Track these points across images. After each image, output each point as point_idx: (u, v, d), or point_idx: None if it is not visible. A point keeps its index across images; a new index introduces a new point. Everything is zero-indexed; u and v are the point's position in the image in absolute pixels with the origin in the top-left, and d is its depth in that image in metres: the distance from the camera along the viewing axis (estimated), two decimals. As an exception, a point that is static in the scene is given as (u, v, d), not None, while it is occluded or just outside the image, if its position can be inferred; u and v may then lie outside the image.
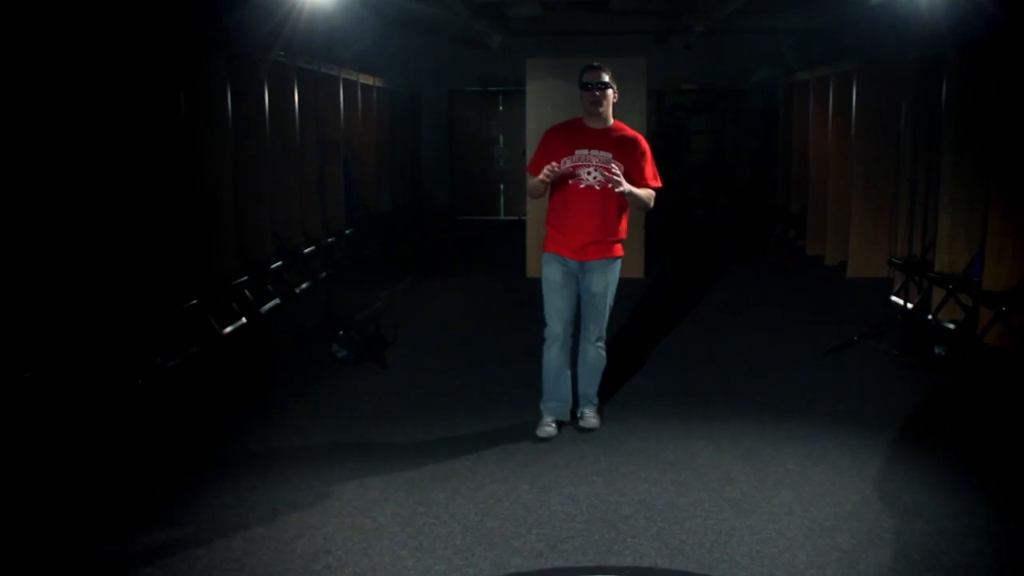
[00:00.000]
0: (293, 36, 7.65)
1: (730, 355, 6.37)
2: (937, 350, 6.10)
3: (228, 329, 6.90)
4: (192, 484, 4.11)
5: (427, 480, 4.16)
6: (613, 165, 4.45)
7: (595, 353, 4.78)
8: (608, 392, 5.20)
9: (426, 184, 14.97)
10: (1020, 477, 4.15)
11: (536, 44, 12.60)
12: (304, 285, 8.83)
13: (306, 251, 8.95)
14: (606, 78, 4.52)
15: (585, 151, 4.54)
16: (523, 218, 9.81)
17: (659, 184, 4.63)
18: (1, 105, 4.62)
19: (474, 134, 15.15)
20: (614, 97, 4.61)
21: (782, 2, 11.64)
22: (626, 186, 4.37)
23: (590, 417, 4.83)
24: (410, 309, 7.91)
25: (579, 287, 4.70)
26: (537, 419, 4.76)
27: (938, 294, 7.31)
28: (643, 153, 4.60)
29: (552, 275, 4.68)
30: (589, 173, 4.53)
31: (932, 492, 3.98)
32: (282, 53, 8.08)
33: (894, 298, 7.90)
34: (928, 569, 3.31)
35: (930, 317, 7.12)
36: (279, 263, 8.13)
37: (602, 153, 4.53)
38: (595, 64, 4.58)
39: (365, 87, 11.46)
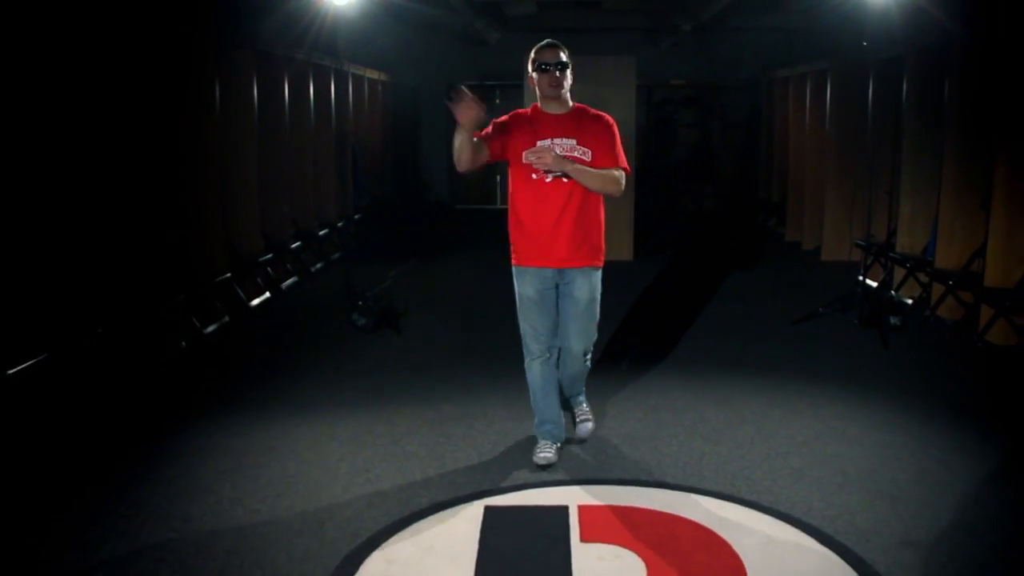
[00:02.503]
0: (309, 33, 8.32)
1: (710, 325, 7.09)
2: (892, 320, 6.84)
3: (255, 302, 7.62)
4: (244, 422, 4.83)
5: (445, 419, 4.88)
6: (579, 151, 4.04)
7: (580, 367, 4.40)
8: (599, 353, 5.90)
9: (425, 174, 15.65)
10: (944, 418, 4.88)
11: (532, 40, 12.96)
12: (319, 265, 9.53)
13: (320, 234, 9.64)
14: (564, 57, 4.03)
15: (547, 141, 4.01)
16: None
17: (625, 166, 4.13)
18: (64, 97, 5.30)
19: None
20: (572, 78, 4.08)
21: (764, 3, 12.35)
22: (568, 165, 3.95)
23: (585, 424, 4.55)
24: (416, 286, 8.61)
25: (558, 297, 4.22)
26: (532, 443, 4.38)
27: (899, 273, 8.08)
28: (609, 133, 4.08)
29: (526, 290, 4.18)
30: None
31: (873, 427, 4.72)
32: (300, 50, 8.76)
33: (861, 278, 8.65)
34: (860, 481, 4.04)
35: (893, 293, 7.87)
36: (298, 243, 8.84)
37: (566, 141, 4.03)
38: (551, 41, 4.06)
39: (372, 81, 12.16)
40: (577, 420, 4.56)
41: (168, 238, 6.30)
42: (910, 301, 7.66)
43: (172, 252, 6.34)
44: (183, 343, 6.22)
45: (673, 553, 3.38)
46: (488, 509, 3.74)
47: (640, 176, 10.57)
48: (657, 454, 4.40)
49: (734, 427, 4.74)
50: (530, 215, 4.09)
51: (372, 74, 12.10)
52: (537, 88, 4.09)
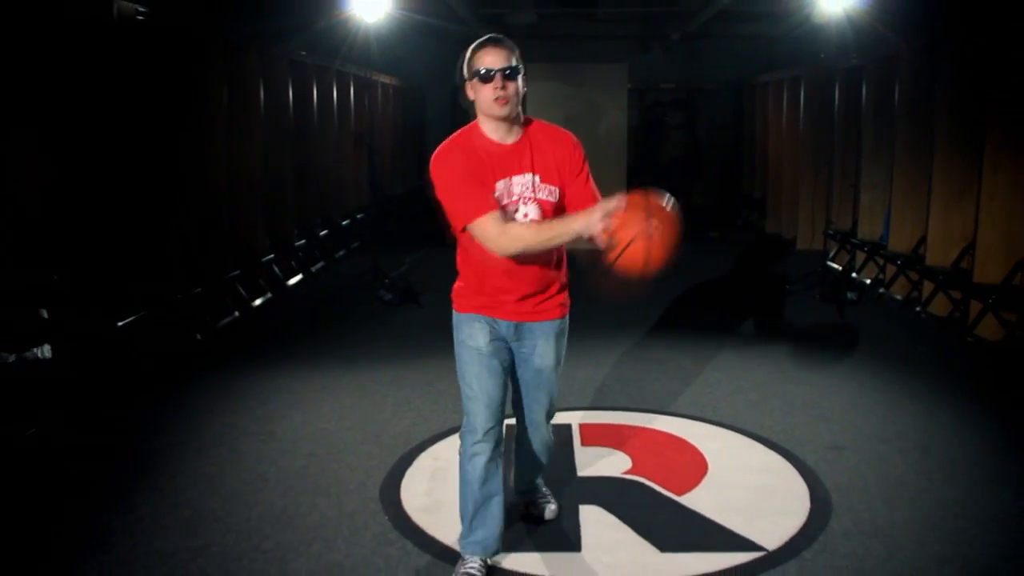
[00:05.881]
0: (342, 45, 9.31)
1: (692, 299, 8.12)
2: (849, 295, 7.88)
3: (292, 281, 8.64)
4: (300, 371, 5.84)
5: (452, 362, 5.87)
6: (543, 191, 3.04)
7: (546, 435, 3.44)
8: (586, 317, 6.90)
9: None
10: (878, 366, 5.90)
11: (530, 47, 14.23)
12: (341, 252, 10.54)
13: (343, 224, 10.66)
14: (514, 60, 2.96)
15: (504, 182, 3.00)
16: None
17: (595, 202, 2.97)
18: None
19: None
20: (523, 86, 2.98)
21: (749, 14, 13.38)
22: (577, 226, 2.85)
23: (549, 506, 3.69)
24: (429, 270, 9.62)
25: (512, 359, 3.25)
26: (455, 558, 3.29)
27: (860, 257, 9.13)
28: (579, 158, 3.08)
29: (473, 340, 3.17)
30: (516, 212, 3.03)
31: (819, 373, 5.76)
32: (326, 57, 9.77)
33: (829, 262, 9.69)
34: (804, 408, 5.07)
35: (854, 275, 8.92)
36: (325, 232, 9.85)
37: (523, 177, 3.02)
38: (494, 37, 3.02)
39: (384, 86, 13.17)
40: (540, 502, 3.69)
41: (223, 223, 7.32)
42: (868, 281, 8.70)
43: (227, 235, 7.35)
44: (237, 312, 7.23)
45: (652, 452, 4.40)
46: (508, 426, 4.74)
47: (632, 174, 11.57)
48: (641, 391, 5.42)
49: (705, 373, 5.77)
50: (487, 262, 3.10)
51: (385, 79, 13.11)
52: (476, 103, 3.00)
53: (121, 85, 5.73)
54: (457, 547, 3.34)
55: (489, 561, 3.24)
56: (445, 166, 2.99)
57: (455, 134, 3.07)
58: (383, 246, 11.04)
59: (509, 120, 2.99)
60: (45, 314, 4.74)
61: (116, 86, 5.67)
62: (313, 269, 9.40)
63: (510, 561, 3.36)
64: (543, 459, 3.50)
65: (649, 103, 16.07)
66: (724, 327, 7.03)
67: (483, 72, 2.93)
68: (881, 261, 8.59)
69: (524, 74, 2.98)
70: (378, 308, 7.73)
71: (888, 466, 4.29)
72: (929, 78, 7.64)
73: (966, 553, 3.44)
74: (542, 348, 3.21)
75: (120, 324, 5.44)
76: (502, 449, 3.20)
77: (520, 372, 3.28)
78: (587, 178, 3.09)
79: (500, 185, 2.99)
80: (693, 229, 12.04)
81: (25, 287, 4.69)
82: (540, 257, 3.06)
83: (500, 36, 3.01)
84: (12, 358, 4.39)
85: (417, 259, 10.25)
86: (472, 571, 3.16)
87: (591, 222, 2.80)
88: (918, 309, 7.48)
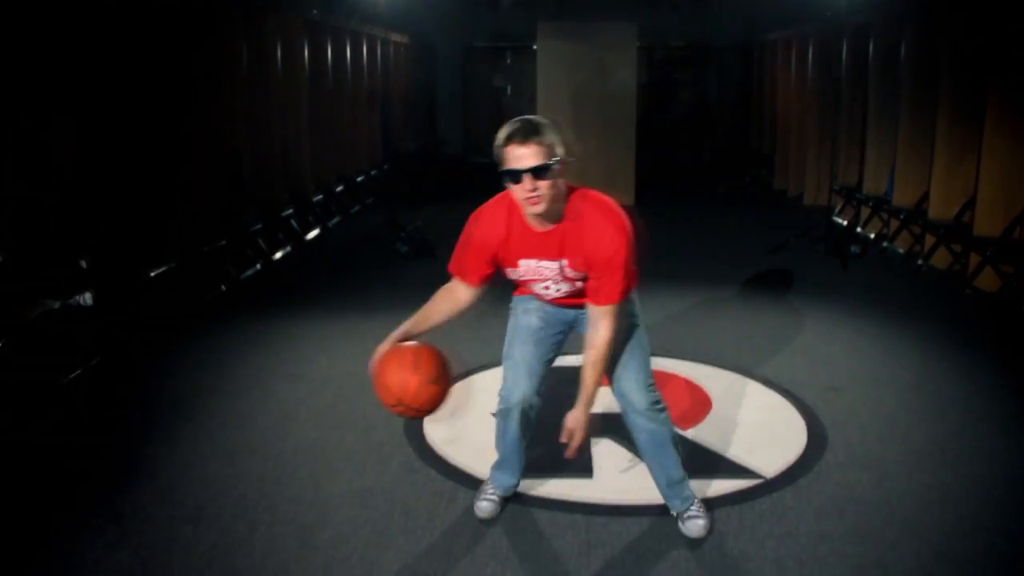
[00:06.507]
0: (350, 2, 9.47)
1: (701, 252, 8.36)
2: (853, 248, 8.09)
3: (310, 236, 8.90)
4: (322, 318, 6.13)
5: (484, 314, 6.10)
6: (569, 275, 3.02)
7: (657, 427, 3.23)
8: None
9: (442, 130, 16.84)
10: (878, 315, 6.14)
11: (542, 3, 14.39)
12: (355, 208, 10.77)
13: (358, 180, 10.88)
14: (542, 153, 2.78)
15: (532, 263, 3.02)
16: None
17: (617, 299, 3.00)
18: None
19: (484, 85, 16.99)
20: (561, 173, 2.84)
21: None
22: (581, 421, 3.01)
23: (696, 521, 3.28)
24: (442, 224, 9.84)
25: (562, 341, 3.35)
26: (481, 484, 3.59)
27: (865, 212, 9.32)
28: (616, 264, 2.94)
29: (527, 315, 3.28)
30: (547, 288, 3.10)
31: (820, 320, 6.01)
32: (340, 17, 9.93)
33: (835, 217, 9.88)
34: (804, 352, 5.33)
35: (858, 230, 9.12)
36: (341, 187, 10.08)
37: (551, 264, 3.01)
38: (521, 127, 2.82)
39: (396, 44, 13.30)
40: (685, 515, 3.30)
41: (246, 180, 7.56)
42: (872, 235, 8.91)
43: (249, 191, 7.59)
44: (258, 265, 7.50)
45: (661, 391, 4.65)
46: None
47: (642, 132, 11.70)
48: (651, 337, 5.65)
49: (713, 320, 6.03)
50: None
51: (396, 36, 13.24)
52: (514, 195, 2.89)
53: (151, 50, 5.95)
54: (477, 474, 3.68)
55: (506, 498, 3.55)
56: (474, 220, 3.14)
57: (505, 194, 3.00)
58: (397, 202, 11.31)
59: (542, 215, 2.89)
60: (84, 264, 5.01)
61: (146, 51, 5.89)
62: (330, 224, 9.65)
63: (526, 485, 3.64)
64: (669, 454, 3.26)
65: (658, 61, 16.15)
66: (731, 278, 7.26)
67: (511, 171, 2.82)
68: (885, 216, 8.78)
69: (562, 161, 2.82)
70: (395, 261, 7.99)
71: (882, 405, 4.55)
72: (932, 37, 7.78)
73: (949, 482, 3.70)
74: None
75: (152, 275, 5.71)
76: (533, 415, 3.32)
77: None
78: (610, 277, 2.95)
79: (526, 264, 3.02)
80: (703, 185, 12.33)
81: (67, 241, 4.96)
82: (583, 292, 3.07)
83: (532, 126, 2.81)
84: (57, 304, 4.67)
85: (431, 214, 10.47)
86: (490, 498, 3.50)
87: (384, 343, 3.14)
88: (920, 262, 7.69)
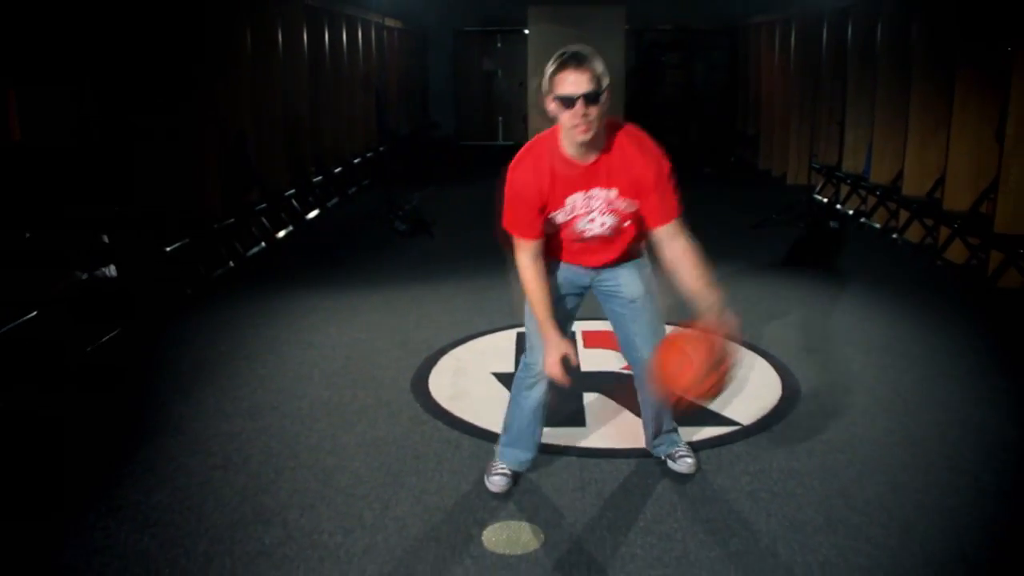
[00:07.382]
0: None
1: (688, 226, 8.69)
2: (832, 224, 8.45)
3: (310, 216, 9.22)
4: (326, 292, 6.46)
5: (480, 288, 6.51)
6: (622, 204, 3.07)
7: None
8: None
9: (433, 113, 17.13)
10: (856, 285, 6.52)
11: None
12: (352, 189, 11.09)
13: (354, 162, 11.20)
14: (593, 81, 2.83)
15: (581, 195, 3.04)
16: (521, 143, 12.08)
17: (676, 214, 3.15)
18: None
19: (475, 69, 17.28)
20: (607, 103, 2.89)
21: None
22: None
23: (686, 459, 3.62)
24: (437, 204, 10.19)
25: (578, 304, 3.48)
26: (489, 462, 3.63)
27: (844, 189, 9.70)
28: (662, 176, 3.06)
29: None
30: (592, 221, 3.11)
31: (799, 289, 6.39)
32: (336, 2, 10.21)
33: (815, 195, 10.26)
34: (782, 319, 5.70)
35: (838, 206, 9.49)
36: (339, 169, 10.40)
37: (602, 191, 3.04)
38: (576, 54, 2.85)
39: (389, 29, 13.57)
40: (677, 455, 3.64)
41: (249, 159, 7.87)
42: (851, 212, 9.28)
43: (252, 171, 7.90)
44: (263, 243, 7.82)
45: (646, 353, 5.02)
46: (520, 334, 5.38)
47: (630, 114, 12.06)
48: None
49: (696, 290, 6.39)
50: (566, 250, 3.30)
51: (390, 22, 13.50)
52: (560, 123, 2.94)
53: (163, 37, 6.24)
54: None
55: (519, 474, 3.59)
56: (512, 176, 3.07)
57: (535, 141, 3.08)
58: (392, 183, 11.63)
59: (587, 144, 2.95)
60: (106, 239, 5.33)
61: (157, 38, 6.19)
62: (329, 204, 9.97)
63: (526, 434, 3.99)
64: (658, 409, 3.55)
65: (646, 44, 16.45)
66: (715, 252, 7.55)
67: (564, 97, 2.84)
68: (863, 193, 9.16)
69: (609, 87, 2.89)
70: (393, 238, 8.32)
71: (851, 363, 4.93)
72: (907, 22, 8.14)
73: (908, 426, 4.08)
74: (626, 278, 3.32)
75: (168, 249, 6.03)
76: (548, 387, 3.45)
77: (613, 308, 3.39)
78: (664, 194, 3.05)
79: (574, 198, 3.03)
80: (690, 165, 12.63)
81: (91, 218, 5.29)
82: (616, 239, 3.19)
83: (583, 54, 2.86)
84: (85, 276, 5.00)
85: (426, 194, 10.81)
86: (504, 472, 3.55)
87: (549, 348, 3.08)
88: (895, 236, 8.08)
